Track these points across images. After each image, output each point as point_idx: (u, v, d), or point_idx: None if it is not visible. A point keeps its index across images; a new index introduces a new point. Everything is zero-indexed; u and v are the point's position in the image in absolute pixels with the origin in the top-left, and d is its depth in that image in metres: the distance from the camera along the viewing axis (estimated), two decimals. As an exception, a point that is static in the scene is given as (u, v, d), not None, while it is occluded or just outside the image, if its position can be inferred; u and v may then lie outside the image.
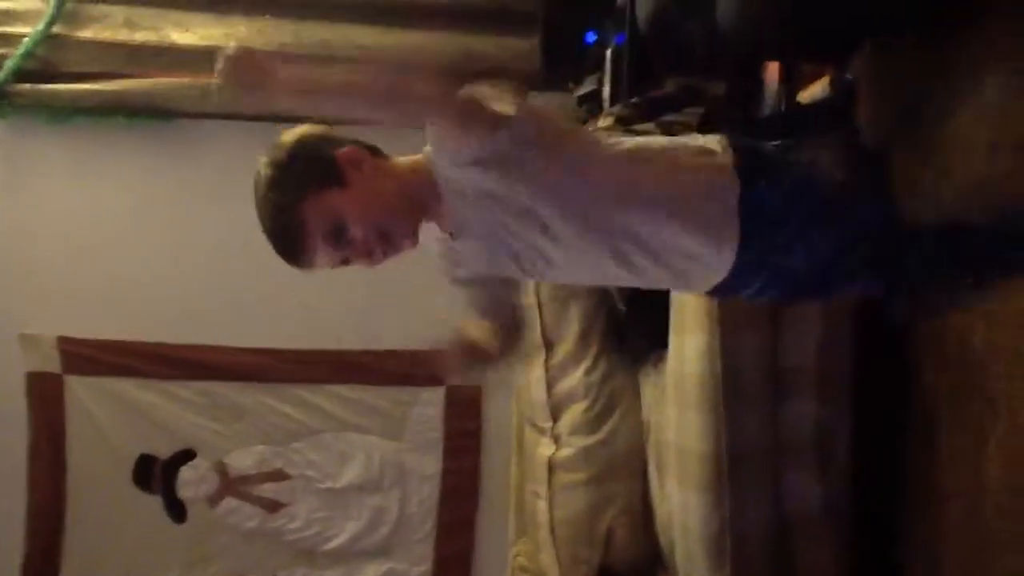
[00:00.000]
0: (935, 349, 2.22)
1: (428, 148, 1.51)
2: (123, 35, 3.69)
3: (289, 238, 1.48)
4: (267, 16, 3.76)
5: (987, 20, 2.05)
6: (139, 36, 3.70)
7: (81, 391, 3.82)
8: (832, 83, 2.67)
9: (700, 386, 2.32)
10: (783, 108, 2.88)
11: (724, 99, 2.85)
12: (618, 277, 1.59)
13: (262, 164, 1.50)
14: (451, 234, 1.58)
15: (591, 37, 3.35)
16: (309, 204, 1.46)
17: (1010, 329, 1.96)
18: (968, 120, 2.09)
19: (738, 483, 2.31)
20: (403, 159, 1.57)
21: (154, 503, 3.87)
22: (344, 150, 1.50)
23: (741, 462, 2.30)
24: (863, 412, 2.35)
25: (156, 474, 3.88)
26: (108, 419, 3.84)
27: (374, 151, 1.55)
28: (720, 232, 1.50)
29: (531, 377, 3.31)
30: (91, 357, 3.82)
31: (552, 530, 3.13)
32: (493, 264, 1.59)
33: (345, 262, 1.52)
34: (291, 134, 1.52)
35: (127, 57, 3.69)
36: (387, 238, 1.50)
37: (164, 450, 3.87)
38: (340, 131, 1.54)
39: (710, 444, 2.32)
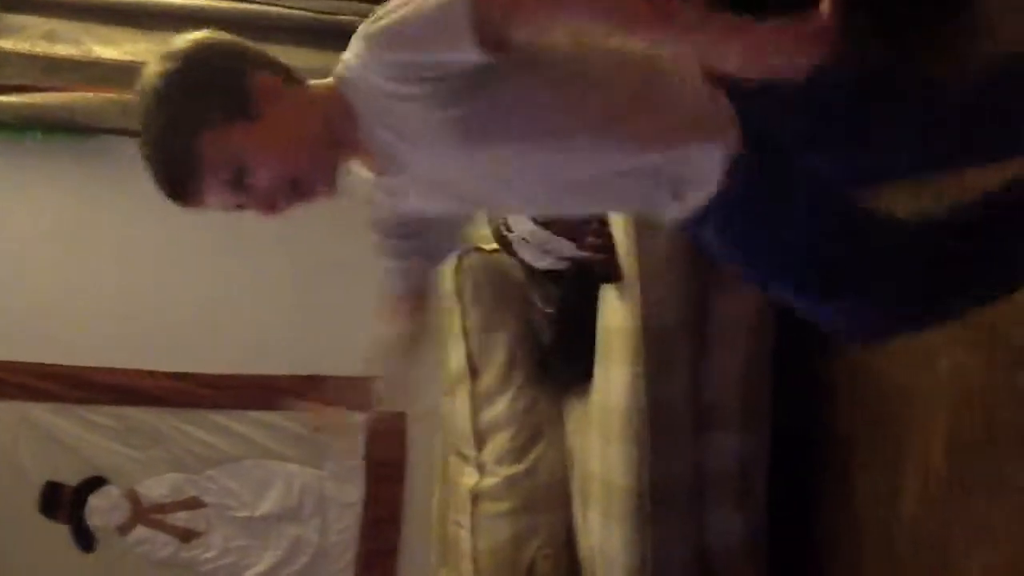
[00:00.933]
0: (849, 386, 2.27)
1: (349, 62, 1.24)
2: (42, 47, 3.60)
3: (177, 173, 1.21)
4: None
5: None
6: (60, 49, 3.60)
7: (-12, 414, 3.68)
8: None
9: (625, 419, 2.34)
10: None
11: None
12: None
13: (152, 72, 1.21)
14: (379, 172, 1.33)
15: None
16: (209, 138, 1.18)
17: (919, 368, 2.01)
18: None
19: (661, 516, 2.33)
20: (317, 83, 1.30)
21: (61, 532, 3.73)
22: (262, 77, 1.22)
23: (664, 495, 2.32)
24: (780, 445, 2.39)
25: (64, 502, 3.74)
26: (14, 444, 3.69)
27: (289, 75, 1.28)
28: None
29: (456, 405, 3.30)
30: (0, 379, 3.67)
31: (475, 560, 3.11)
32: (433, 197, 1.34)
33: (240, 207, 1.27)
34: (195, 38, 1.24)
35: (46, 70, 3.59)
36: (298, 186, 1.25)
37: (73, 477, 3.74)
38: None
39: (634, 478, 2.33)
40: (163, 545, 3.81)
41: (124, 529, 3.78)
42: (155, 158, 1.22)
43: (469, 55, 1.10)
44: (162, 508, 3.81)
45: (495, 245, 2.84)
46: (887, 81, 1.27)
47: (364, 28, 1.19)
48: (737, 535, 2.33)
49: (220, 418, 3.81)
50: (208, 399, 3.79)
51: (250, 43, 1.29)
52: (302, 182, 1.25)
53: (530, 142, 1.21)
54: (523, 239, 2.60)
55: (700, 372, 2.33)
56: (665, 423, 2.29)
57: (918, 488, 1.97)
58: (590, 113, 1.21)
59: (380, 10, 1.18)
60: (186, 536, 3.82)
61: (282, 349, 3.75)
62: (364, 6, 3.63)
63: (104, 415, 3.74)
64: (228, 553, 3.83)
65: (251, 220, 4.28)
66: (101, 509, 3.76)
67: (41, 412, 3.70)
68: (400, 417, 3.86)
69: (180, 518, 3.82)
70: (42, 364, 3.68)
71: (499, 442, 3.16)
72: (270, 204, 1.25)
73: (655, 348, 2.28)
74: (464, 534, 3.16)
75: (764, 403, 2.36)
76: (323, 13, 3.73)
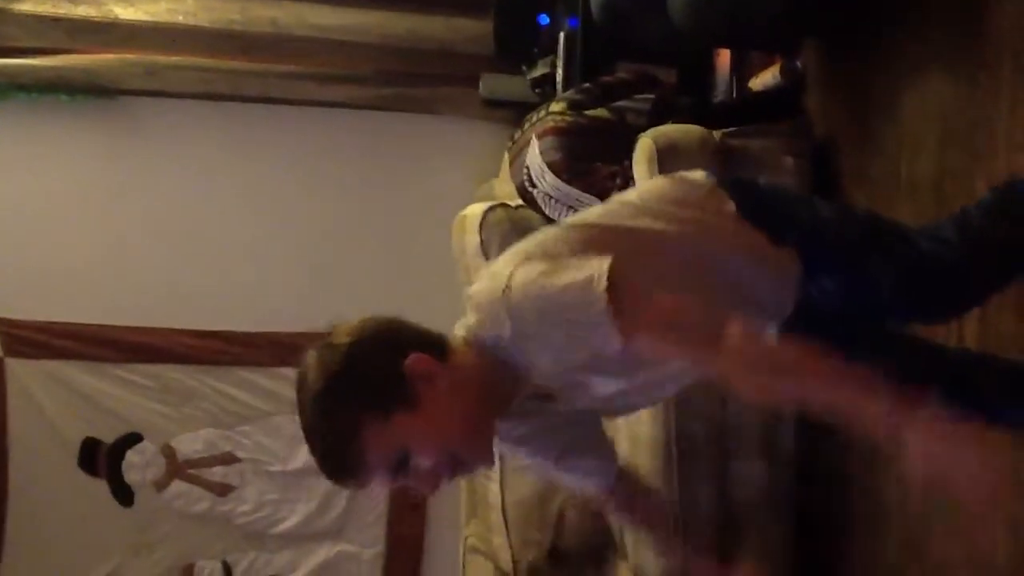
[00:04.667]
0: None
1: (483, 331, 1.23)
2: (64, 9, 3.60)
3: (343, 465, 1.21)
4: (215, -9, 3.69)
5: (924, 21, 2.09)
6: (81, 11, 3.60)
7: (23, 375, 3.75)
8: (782, 71, 2.70)
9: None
10: (735, 95, 2.90)
11: (675, 86, 2.85)
12: None
13: (311, 366, 1.22)
14: (541, 399, 1.31)
15: (544, 20, 3.33)
16: (372, 431, 1.18)
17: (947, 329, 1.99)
18: (914, 111, 2.13)
19: (687, 467, 2.34)
20: (466, 349, 1.25)
21: (100, 487, 3.82)
22: (413, 359, 1.20)
23: (689, 444, 2.34)
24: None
25: (102, 458, 3.82)
26: (52, 403, 3.77)
27: (439, 348, 1.24)
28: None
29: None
30: (34, 340, 3.74)
31: (503, 512, 3.14)
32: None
33: (402, 487, 1.26)
34: (349, 332, 1.23)
35: (68, 32, 3.60)
36: (460, 464, 1.23)
37: (110, 434, 3.82)
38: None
39: (660, 428, 2.34)
40: (199, 499, 3.89)
41: (161, 484, 3.87)
42: (322, 451, 1.22)
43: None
44: (197, 463, 3.89)
45: (520, 201, 2.83)
46: None
47: (491, 295, 1.20)
48: (761, 486, 2.35)
49: (252, 375, 3.87)
50: (240, 356, 3.84)
51: (405, 321, 1.27)
52: (463, 458, 1.24)
53: None
54: (547, 195, 2.59)
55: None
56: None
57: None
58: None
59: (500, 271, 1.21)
60: (222, 491, 3.90)
61: (312, 306, 3.76)
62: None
63: (138, 373, 3.81)
64: (262, 507, 3.91)
65: (281, 182, 4.27)
66: (138, 465, 3.84)
67: (76, 371, 3.77)
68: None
69: (215, 473, 3.90)
70: (76, 324, 3.74)
71: (526, 395, 3.18)
72: (435, 484, 1.24)
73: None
74: (493, 486, 3.20)
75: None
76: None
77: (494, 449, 1.30)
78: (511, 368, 1.22)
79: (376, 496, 3.94)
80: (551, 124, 2.50)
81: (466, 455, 1.23)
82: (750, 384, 1.13)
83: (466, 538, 3.52)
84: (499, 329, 1.19)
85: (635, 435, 2.46)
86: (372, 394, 1.19)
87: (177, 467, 3.87)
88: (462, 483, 3.61)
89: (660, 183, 1.46)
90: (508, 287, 1.17)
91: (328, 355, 1.21)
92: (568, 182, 2.50)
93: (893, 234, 1.43)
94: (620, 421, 2.58)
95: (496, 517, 3.17)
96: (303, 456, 3.84)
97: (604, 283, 1.11)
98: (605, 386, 1.30)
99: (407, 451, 1.19)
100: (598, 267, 1.13)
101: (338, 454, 1.20)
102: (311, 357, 1.22)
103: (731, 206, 1.35)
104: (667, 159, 2.27)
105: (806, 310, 1.36)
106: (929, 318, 1.57)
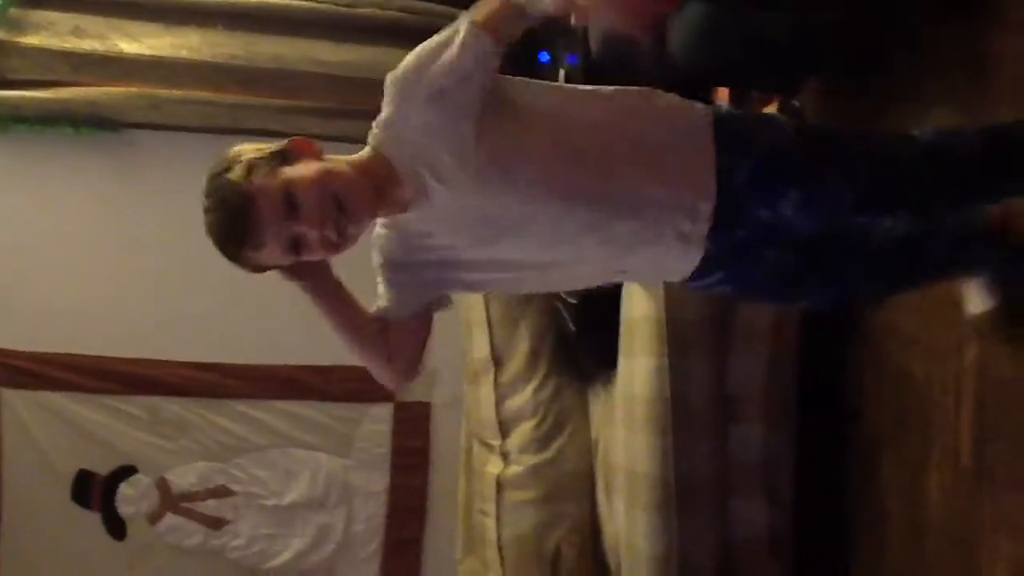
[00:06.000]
0: (875, 378, 2.26)
1: (384, 118, 1.48)
2: (70, 43, 3.63)
3: (236, 217, 1.38)
4: (219, 27, 3.72)
5: (923, 61, 2.12)
6: (86, 44, 3.64)
7: (18, 405, 3.73)
8: (780, 109, 2.73)
9: (649, 409, 2.34)
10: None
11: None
12: (592, 267, 1.54)
13: (211, 166, 1.44)
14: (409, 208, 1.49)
15: (544, 57, 3.36)
16: (259, 178, 1.39)
17: (945, 361, 2.00)
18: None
19: (686, 506, 2.33)
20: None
21: (93, 520, 3.79)
22: (294, 139, 1.47)
23: (690, 485, 2.32)
24: (806, 439, 2.39)
25: (95, 490, 3.79)
26: (46, 434, 3.75)
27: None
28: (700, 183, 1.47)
29: (480, 394, 3.31)
30: (29, 370, 3.72)
31: (500, 548, 3.12)
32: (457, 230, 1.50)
33: (295, 244, 1.41)
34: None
35: (73, 66, 3.63)
36: (343, 208, 1.40)
37: (104, 466, 3.79)
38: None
39: (658, 467, 2.33)
40: (192, 533, 3.85)
41: (154, 517, 3.83)
42: (219, 210, 1.40)
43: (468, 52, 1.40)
44: (191, 497, 3.86)
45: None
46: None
47: (389, 77, 1.46)
48: (763, 527, 2.33)
49: (247, 408, 3.85)
50: (235, 389, 3.83)
51: None
52: (345, 204, 1.40)
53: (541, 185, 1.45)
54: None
55: (723, 364, 2.33)
56: (688, 413, 2.29)
57: (944, 481, 1.96)
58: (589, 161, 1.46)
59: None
60: (215, 524, 3.87)
61: (307, 340, 3.76)
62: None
63: (133, 405, 3.79)
64: (256, 541, 3.87)
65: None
66: (132, 497, 3.81)
67: (71, 403, 3.75)
68: (424, 406, 3.88)
69: (209, 506, 3.86)
70: (71, 355, 3.73)
71: (523, 431, 3.17)
72: (321, 221, 1.39)
73: (678, 339, 2.28)
74: (489, 522, 3.18)
75: (789, 397, 2.36)
76: (345, 6, 3.74)
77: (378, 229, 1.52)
78: (386, 163, 1.45)
79: (371, 532, 3.91)
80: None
81: (346, 194, 1.40)
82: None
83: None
84: (385, 108, 1.46)
85: (633, 472, 2.44)
86: (258, 157, 1.41)
87: (171, 500, 3.84)
88: (459, 519, 3.59)
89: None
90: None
91: (224, 153, 1.44)
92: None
93: (852, 147, 1.54)
94: (619, 458, 2.56)
95: (492, 553, 3.15)
96: (298, 490, 3.89)
97: (467, 21, 1.42)
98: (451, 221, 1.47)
99: (292, 190, 1.38)
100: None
101: (232, 206, 1.37)
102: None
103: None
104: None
105: (765, 233, 1.51)
106: (889, 219, 1.64)
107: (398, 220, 1.52)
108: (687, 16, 2.23)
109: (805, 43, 2.19)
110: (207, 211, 1.42)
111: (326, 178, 1.41)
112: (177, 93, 3.70)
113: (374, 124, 1.50)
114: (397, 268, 1.55)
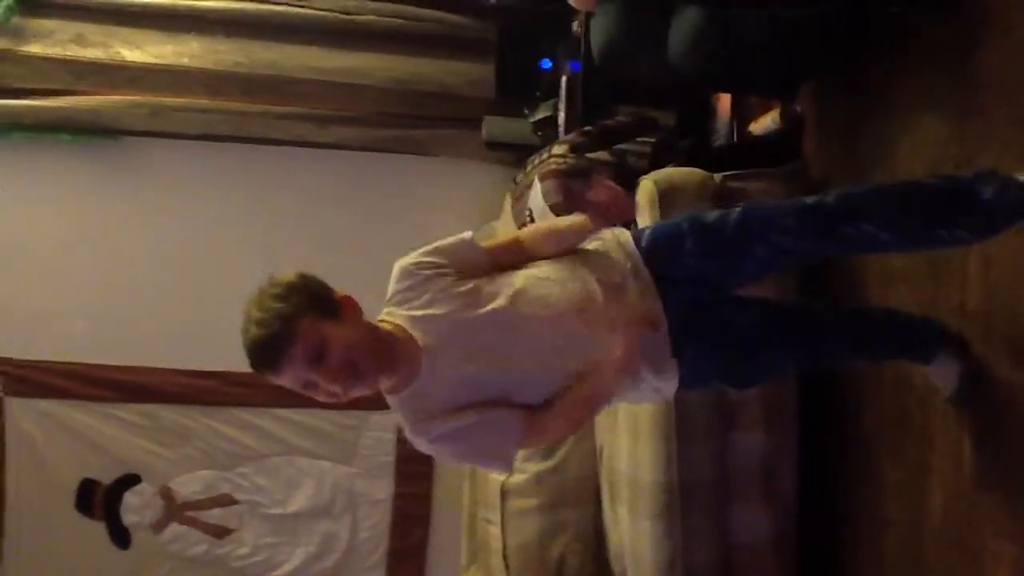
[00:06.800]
0: (875, 382, 2.25)
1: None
2: (72, 51, 3.64)
3: (272, 345, 1.53)
4: (219, 35, 3.72)
5: (917, 65, 2.12)
6: (88, 52, 3.65)
7: (21, 414, 3.74)
8: (782, 114, 2.72)
9: (653, 416, 2.33)
10: (735, 139, 2.92)
11: (675, 129, 2.87)
12: None
13: (264, 284, 1.60)
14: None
15: (546, 64, 3.36)
16: (306, 323, 1.54)
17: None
18: (907, 153, 2.14)
19: (689, 513, 2.32)
20: (385, 323, 1.67)
21: (97, 529, 3.79)
22: (345, 295, 1.63)
23: (692, 491, 2.31)
24: (807, 443, 2.38)
25: (99, 499, 3.79)
26: (49, 442, 3.75)
27: None
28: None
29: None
30: (32, 379, 3.73)
31: (504, 556, 3.11)
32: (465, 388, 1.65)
33: (307, 387, 1.57)
34: (292, 273, 1.63)
35: (75, 74, 3.63)
36: (358, 373, 1.57)
37: (108, 475, 3.79)
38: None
39: (661, 474, 2.32)
40: (196, 542, 3.85)
41: (158, 526, 3.83)
42: (259, 332, 1.54)
43: None
44: (195, 505, 3.85)
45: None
46: None
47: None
48: (765, 532, 2.32)
49: (250, 416, 3.85)
50: (239, 397, 3.82)
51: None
52: (362, 371, 1.58)
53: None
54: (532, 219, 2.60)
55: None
56: (692, 421, 2.28)
57: (945, 484, 1.95)
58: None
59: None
60: (219, 533, 3.86)
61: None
62: (385, 5, 3.65)
63: (137, 414, 3.79)
64: (260, 550, 3.87)
65: (282, 223, 4.27)
66: (136, 506, 3.81)
67: (75, 411, 3.76)
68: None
69: (213, 515, 3.86)
70: (73, 363, 3.74)
71: (527, 438, 3.16)
72: (335, 380, 1.55)
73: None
74: (494, 530, 3.17)
75: (790, 403, 2.35)
76: (345, 14, 3.74)
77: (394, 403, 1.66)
78: (398, 333, 1.64)
79: (376, 540, 3.91)
80: (553, 167, 2.52)
81: (365, 365, 1.57)
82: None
83: (466, 584, 3.49)
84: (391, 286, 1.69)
85: (636, 480, 2.43)
86: (314, 301, 1.57)
87: (175, 509, 3.84)
88: (463, 527, 3.58)
89: None
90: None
91: (280, 278, 1.60)
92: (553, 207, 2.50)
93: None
94: (623, 465, 2.55)
95: (497, 562, 3.14)
96: (302, 499, 3.88)
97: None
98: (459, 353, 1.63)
99: (325, 348, 1.54)
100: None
101: (273, 334, 1.53)
102: (268, 281, 1.60)
103: None
104: (668, 201, 2.29)
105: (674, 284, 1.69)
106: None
107: (402, 399, 1.65)
108: (682, 23, 2.23)
109: (798, 42, 2.18)
110: (253, 323, 1.56)
111: (354, 349, 1.57)
112: (178, 100, 3.70)
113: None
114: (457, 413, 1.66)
